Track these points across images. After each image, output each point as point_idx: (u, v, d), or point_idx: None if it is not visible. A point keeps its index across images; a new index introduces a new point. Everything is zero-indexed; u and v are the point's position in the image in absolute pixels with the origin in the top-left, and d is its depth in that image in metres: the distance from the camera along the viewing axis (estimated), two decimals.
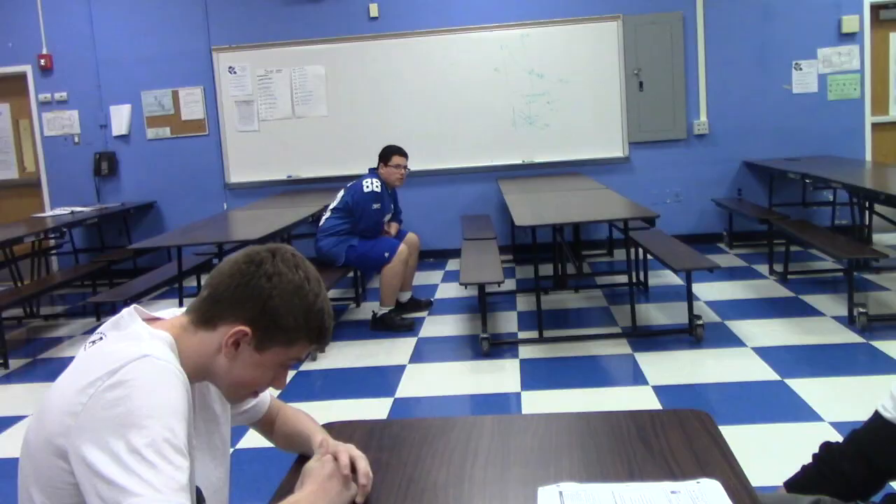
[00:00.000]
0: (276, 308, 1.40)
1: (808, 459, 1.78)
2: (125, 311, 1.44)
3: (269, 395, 1.80)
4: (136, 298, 5.59)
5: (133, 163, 8.33)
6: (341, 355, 5.14)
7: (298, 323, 1.42)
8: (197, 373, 1.44)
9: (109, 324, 1.43)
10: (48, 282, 6.80)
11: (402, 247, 5.76)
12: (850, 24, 7.66)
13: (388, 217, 5.99)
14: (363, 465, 1.52)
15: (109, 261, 7.27)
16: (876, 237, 6.92)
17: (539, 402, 4.15)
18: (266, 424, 1.79)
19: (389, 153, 5.84)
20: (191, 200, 8.16)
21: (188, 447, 1.29)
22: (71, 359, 1.40)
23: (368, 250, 5.73)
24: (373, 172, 5.87)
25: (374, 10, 7.89)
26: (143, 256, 7.48)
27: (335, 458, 1.51)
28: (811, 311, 5.43)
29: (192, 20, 8.13)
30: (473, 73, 7.79)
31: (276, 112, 8.09)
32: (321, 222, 5.91)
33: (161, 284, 6.24)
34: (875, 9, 7.74)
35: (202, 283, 1.47)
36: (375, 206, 5.71)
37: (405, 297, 6.01)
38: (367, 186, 5.71)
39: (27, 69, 8.26)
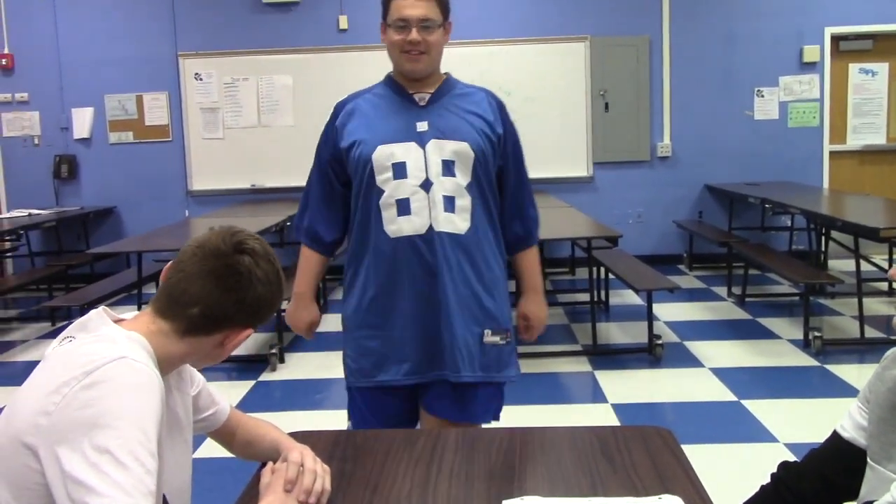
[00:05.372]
0: (270, 303, 1.52)
1: (766, 479, 1.80)
2: (93, 312, 1.43)
3: (229, 404, 1.80)
4: (93, 304, 5.51)
5: (94, 167, 8.23)
6: (302, 365, 5.12)
7: (278, 302, 1.57)
8: (171, 368, 1.48)
9: (77, 326, 1.42)
10: (2, 285, 6.69)
11: None
12: (811, 53, 7.84)
13: None
14: (318, 484, 1.53)
15: (67, 265, 7.17)
16: (832, 263, 7.04)
17: (500, 417, 4.15)
18: (225, 433, 1.79)
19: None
20: (152, 206, 8.07)
21: (158, 451, 1.28)
22: (25, 363, 1.39)
23: None
24: None
25: (343, 23, 7.91)
26: (102, 262, 7.39)
27: (299, 466, 1.54)
28: (768, 334, 5.52)
29: (158, 25, 8.07)
30: None
31: (242, 120, 8.06)
32: None
33: (119, 291, 6.18)
34: (835, 40, 7.92)
35: (172, 288, 1.44)
36: None
37: None
38: None
39: None
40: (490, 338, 2.34)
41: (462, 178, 2.25)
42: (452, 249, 2.24)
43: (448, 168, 2.24)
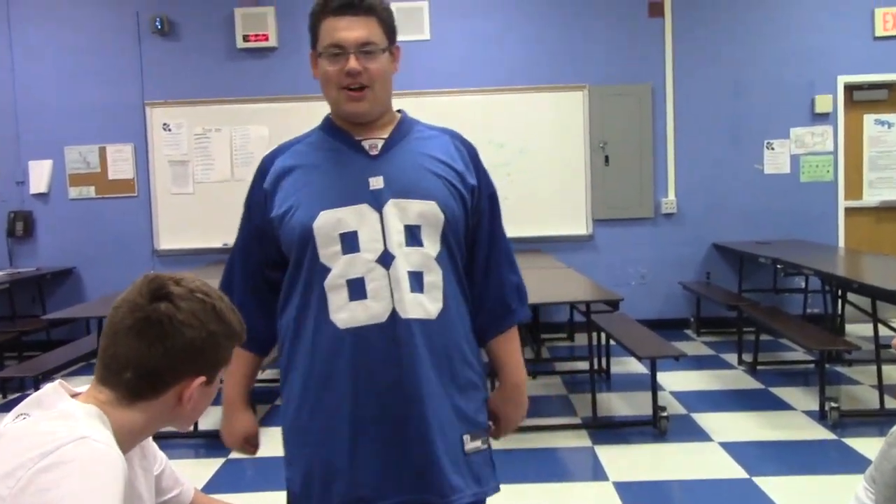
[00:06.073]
0: (212, 343, 1.51)
1: None
2: (49, 387, 1.44)
3: (193, 486, 1.85)
4: (48, 374, 5.56)
5: (52, 224, 8.34)
6: (276, 441, 5.15)
7: (232, 337, 1.57)
8: (134, 442, 1.50)
9: (32, 401, 1.42)
10: None
11: None
12: (823, 103, 8.05)
13: None
14: None
15: (20, 332, 7.20)
16: (849, 328, 7.16)
17: (491, 497, 4.19)
18: None
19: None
20: (115, 267, 8.15)
21: None
22: None
23: None
24: None
25: None
26: (59, 328, 7.41)
27: None
28: (781, 405, 5.62)
29: (124, 71, 8.24)
30: None
31: (214, 174, 8.21)
32: None
33: (78, 360, 6.18)
34: (849, 89, 8.16)
35: (104, 354, 1.50)
36: None
37: None
38: None
39: None
40: (471, 444, 2.05)
41: (430, 246, 1.99)
42: (422, 340, 1.95)
43: (413, 236, 1.97)
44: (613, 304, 5.50)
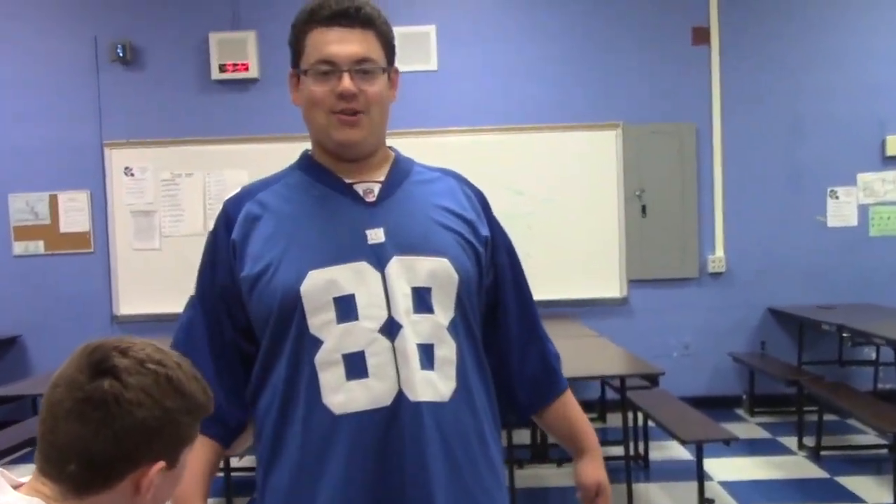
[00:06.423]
0: (170, 422, 1.46)
1: None
2: None
3: None
4: None
5: None
6: None
7: (195, 411, 1.51)
8: None
9: None
10: None
11: None
12: (895, 145, 8.21)
13: None
14: None
15: None
16: None
17: None
18: None
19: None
20: (67, 336, 7.90)
21: None
22: None
23: None
24: None
25: None
26: (2, 407, 7.42)
27: None
28: (848, 497, 5.71)
29: (79, 106, 8.33)
30: None
31: (184, 226, 8.30)
32: None
33: (23, 444, 6.18)
34: None
35: (41, 442, 1.46)
36: None
37: None
38: None
39: None
40: None
41: (441, 313, 1.93)
42: (435, 428, 1.88)
43: (422, 300, 1.92)
44: (652, 379, 5.59)
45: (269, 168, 7.54)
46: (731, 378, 8.39)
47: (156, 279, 8.31)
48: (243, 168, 8.18)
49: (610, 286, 8.36)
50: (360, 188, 1.99)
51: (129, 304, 8.41)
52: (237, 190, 2.07)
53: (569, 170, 8.29)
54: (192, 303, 2.04)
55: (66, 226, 8.42)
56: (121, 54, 8.27)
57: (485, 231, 2.07)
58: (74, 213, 8.42)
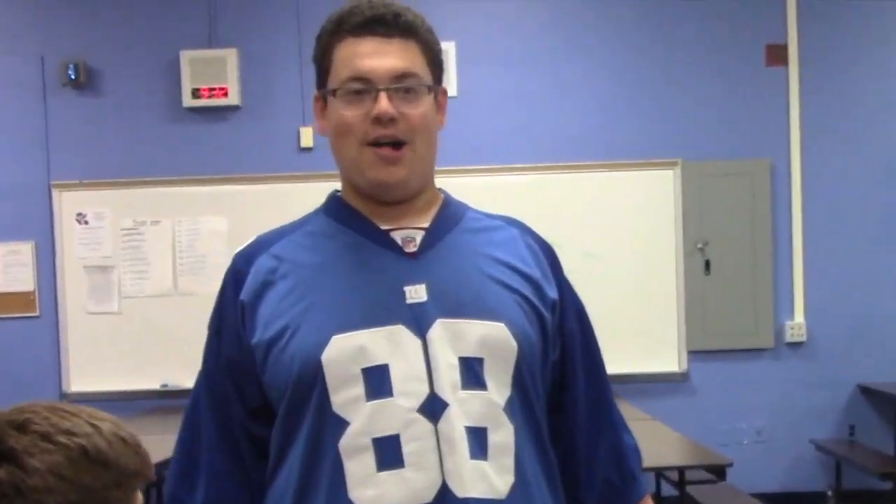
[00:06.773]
0: (95, 502, 1.46)
1: None
2: None
3: None
4: None
5: None
6: None
7: (127, 480, 1.53)
8: None
9: None
10: None
11: None
12: None
13: None
14: None
15: None
16: None
17: None
18: None
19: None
20: None
21: None
22: None
23: None
24: None
25: (306, 138, 8.05)
26: None
27: None
28: None
29: (22, 140, 8.25)
30: None
31: (149, 285, 8.20)
32: None
33: None
34: None
35: None
36: None
37: None
38: None
39: None
40: None
41: (497, 390, 1.88)
42: None
43: (472, 373, 1.87)
44: (718, 472, 5.52)
45: (253, 214, 7.31)
46: (814, 470, 8.25)
47: (114, 349, 8.22)
48: (221, 214, 8.17)
49: (666, 359, 8.25)
50: (398, 236, 1.96)
51: (82, 379, 8.29)
52: (249, 241, 2.05)
53: (615, 217, 8.19)
54: (198, 380, 2.02)
55: (5, 284, 8.35)
56: (73, 77, 8.15)
57: (553, 293, 2.03)
58: (16, 269, 8.33)
